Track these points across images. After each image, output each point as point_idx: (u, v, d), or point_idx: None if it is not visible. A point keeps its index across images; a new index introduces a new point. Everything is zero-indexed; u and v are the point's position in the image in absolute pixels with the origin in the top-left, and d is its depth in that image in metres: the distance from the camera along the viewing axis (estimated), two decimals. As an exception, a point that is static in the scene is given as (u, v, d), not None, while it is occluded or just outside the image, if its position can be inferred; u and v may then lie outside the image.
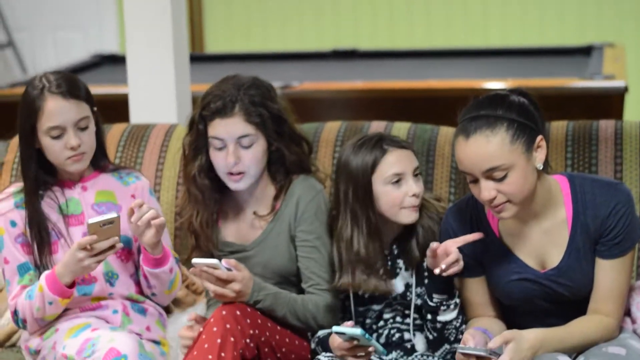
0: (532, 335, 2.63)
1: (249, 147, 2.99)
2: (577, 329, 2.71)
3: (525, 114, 2.66)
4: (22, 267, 3.02)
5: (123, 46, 7.88)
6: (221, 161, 3.00)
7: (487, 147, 2.62)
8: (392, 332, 3.03)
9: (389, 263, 3.00)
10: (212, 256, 3.05)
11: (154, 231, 2.93)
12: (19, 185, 3.07)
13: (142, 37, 3.89)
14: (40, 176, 3.02)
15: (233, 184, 3.03)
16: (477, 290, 2.87)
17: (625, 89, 4.70)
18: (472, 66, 5.94)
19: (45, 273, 2.95)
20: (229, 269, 2.89)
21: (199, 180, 3.07)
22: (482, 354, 2.59)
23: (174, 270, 3.07)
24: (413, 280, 2.99)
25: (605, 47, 6.06)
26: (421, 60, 6.27)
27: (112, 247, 2.87)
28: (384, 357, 2.97)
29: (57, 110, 2.95)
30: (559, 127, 3.35)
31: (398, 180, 2.93)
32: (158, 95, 3.90)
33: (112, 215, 2.85)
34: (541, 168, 2.67)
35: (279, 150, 3.05)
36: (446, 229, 2.87)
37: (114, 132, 3.59)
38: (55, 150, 2.97)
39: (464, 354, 2.61)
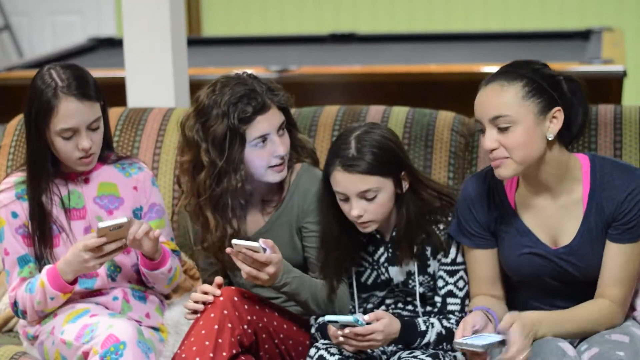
0: (530, 314, 2.65)
1: (284, 133, 3.00)
2: (578, 313, 2.71)
3: (550, 82, 2.68)
4: (22, 259, 2.99)
5: (120, 30, 7.91)
6: (267, 155, 2.97)
7: (498, 95, 2.66)
8: (394, 317, 3.02)
9: (390, 250, 2.99)
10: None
11: (151, 243, 2.91)
12: (21, 175, 3.03)
13: (140, 20, 3.87)
14: (47, 170, 2.97)
15: (278, 175, 3.01)
16: (486, 263, 2.86)
17: (624, 74, 4.68)
18: (472, 50, 5.92)
19: (47, 268, 2.93)
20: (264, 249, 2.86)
21: (247, 187, 3.02)
22: (478, 350, 2.58)
23: (172, 270, 3.06)
24: (415, 269, 2.98)
25: (603, 31, 6.05)
26: (420, 44, 6.25)
27: (119, 248, 2.86)
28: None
29: (71, 113, 2.88)
30: (558, 111, 3.33)
31: (344, 198, 2.89)
32: (155, 78, 3.88)
33: (123, 220, 2.83)
34: (551, 139, 2.68)
35: (295, 138, 3.08)
36: (464, 197, 2.87)
37: (111, 116, 3.56)
38: (66, 150, 2.92)
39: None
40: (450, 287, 2.95)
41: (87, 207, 3.02)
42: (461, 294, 2.94)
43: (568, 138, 2.75)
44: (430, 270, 2.97)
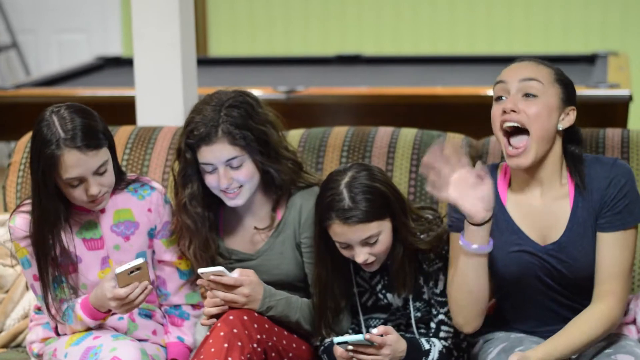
0: (538, 351, 2.66)
1: (240, 167, 2.98)
2: (577, 332, 2.71)
3: (572, 85, 2.80)
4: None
5: (126, 49, 7.96)
6: (214, 183, 2.99)
7: (535, 67, 2.79)
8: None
9: (386, 278, 3.00)
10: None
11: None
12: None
13: (150, 39, 3.88)
14: (55, 211, 2.91)
15: (231, 201, 3.02)
16: None
17: (630, 98, 4.70)
18: (477, 73, 5.93)
19: (80, 303, 2.92)
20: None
21: (190, 208, 3.04)
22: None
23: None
24: (411, 295, 2.99)
25: (609, 55, 6.07)
26: (425, 66, 6.28)
27: (143, 292, 2.84)
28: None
29: (75, 164, 2.83)
30: (565, 134, 3.36)
31: (346, 247, 2.90)
32: (165, 97, 3.89)
33: (139, 261, 2.82)
34: (561, 129, 2.75)
35: (267, 171, 3.04)
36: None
37: (121, 135, 3.59)
38: (76, 196, 2.88)
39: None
40: (441, 316, 2.96)
41: (105, 237, 3.00)
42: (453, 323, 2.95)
43: (568, 138, 2.81)
44: (425, 296, 2.98)
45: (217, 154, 2.95)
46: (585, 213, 2.75)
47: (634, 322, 2.89)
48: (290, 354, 2.96)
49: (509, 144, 2.74)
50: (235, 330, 2.83)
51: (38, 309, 3.08)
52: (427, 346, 2.90)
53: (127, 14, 7.67)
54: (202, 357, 2.81)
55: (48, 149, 2.82)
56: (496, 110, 2.76)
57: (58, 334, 3.00)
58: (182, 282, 3.10)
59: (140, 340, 3.01)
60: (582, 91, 4.79)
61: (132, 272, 2.80)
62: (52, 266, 2.92)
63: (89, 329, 2.95)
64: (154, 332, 3.08)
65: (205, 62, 6.46)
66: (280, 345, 2.93)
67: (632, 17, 7.41)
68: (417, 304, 2.98)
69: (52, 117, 2.86)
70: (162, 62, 3.89)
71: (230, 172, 2.97)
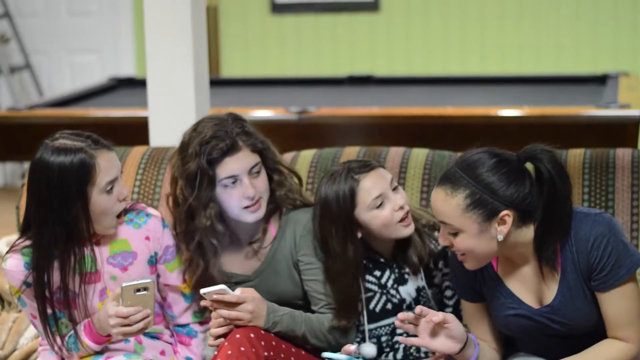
0: None
1: (259, 174, 3.02)
2: (594, 357, 2.71)
3: (496, 188, 2.64)
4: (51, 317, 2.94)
5: (139, 69, 7.99)
6: (238, 196, 3.00)
7: (443, 204, 2.67)
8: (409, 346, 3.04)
9: (396, 270, 3.02)
10: None
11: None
12: (27, 243, 2.92)
13: (163, 60, 3.91)
14: (59, 242, 2.87)
15: (252, 215, 3.03)
16: (474, 314, 2.87)
17: (641, 118, 4.72)
18: (488, 93, 5.96)
19: (82, 330, 2.91)
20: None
21: (218, 227, 3.04)
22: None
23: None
24: (424, 282, 3.01)
25: (620, 76, 6.09)
26: (436, 87, 6.30)
27: (143, 320, 2.81)
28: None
29: (110, 163, 2.84)
30: (576, 154, 3.36)
31: (381, 202, 2.94)
32: (178, 118, 3.90)
33: (147, 280, 2.80)
34: (501, 239, 2.66)
35: (273, 181, 3.07)
36: (453, 255, 2.86)
37: (134, 155, 3.61)
38: (109, 206, 2.87)
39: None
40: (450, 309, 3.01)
41: (101, 270, 2.96)
42: None
43: (533, 218, 2.69)
44: (436, 281, 3.01)
45: (241, 162, 2.98)
46: (575, 275, 2.71)
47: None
48: (299, 370, 2.98)
49: None
50: (242, 349, 2.83)
51: None
52: None
53: (140, 35, 7.70)
54: (210, 376, 2.83)
55: (79, 162, 2.80)
56: None
57: None
58: (187, 305, 3.10)
59: (148, 360, 3.02)
60: (592, 111, 4.83)
61: (138, 290, 2.79)
62: (49, 304, 2.90)
63: (96, 352, 2.95)
64: (162, 353, 3.08)
65: (217, 82, 6.49)
66: (288, 362, 2.95)
67: (642, 38, 7.43)
68: (430, 292, 3.01)
69: (56, 142, 2.84)
70: (174, 83, 3.91)
71: (252, 180, 3.00)
